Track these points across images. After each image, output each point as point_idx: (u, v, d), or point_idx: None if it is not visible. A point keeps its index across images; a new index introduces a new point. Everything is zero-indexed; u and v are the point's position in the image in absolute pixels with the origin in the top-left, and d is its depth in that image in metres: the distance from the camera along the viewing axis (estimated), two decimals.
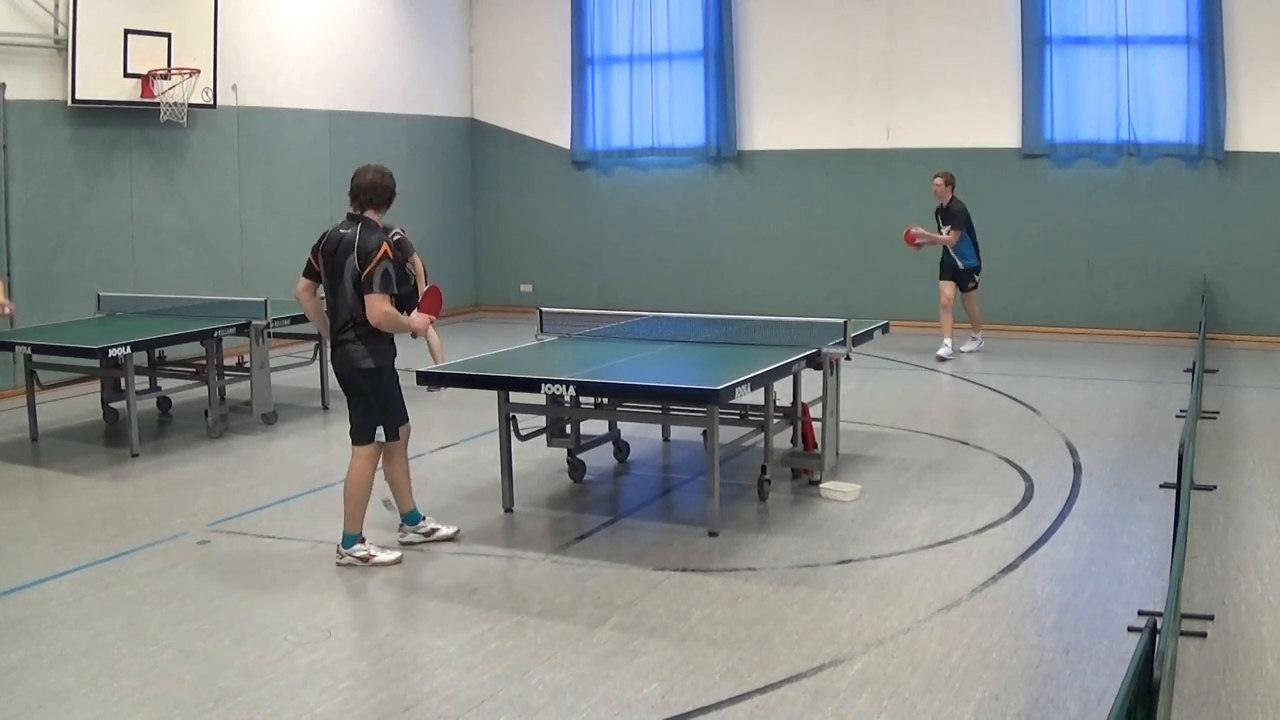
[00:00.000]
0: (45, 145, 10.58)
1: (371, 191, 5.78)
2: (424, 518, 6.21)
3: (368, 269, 5.59)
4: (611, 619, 5.10)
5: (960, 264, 11.68)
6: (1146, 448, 8.03)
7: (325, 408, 9.56)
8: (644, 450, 8.09)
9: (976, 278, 11.79)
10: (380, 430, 5.82)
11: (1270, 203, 12.38)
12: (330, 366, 6.06)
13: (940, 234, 11.68)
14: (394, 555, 5.88)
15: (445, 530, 6.20)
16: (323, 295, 5.95)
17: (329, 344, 5.96)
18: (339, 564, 5.81)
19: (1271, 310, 12.47)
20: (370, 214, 5.80)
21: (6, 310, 7.96)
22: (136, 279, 11.32)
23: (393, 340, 5.86)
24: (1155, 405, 9.47)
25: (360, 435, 5.84)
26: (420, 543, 6.12)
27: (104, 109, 10.91)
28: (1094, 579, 5.49)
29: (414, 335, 6.23)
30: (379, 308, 5.62)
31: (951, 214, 11.61)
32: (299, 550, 6.08)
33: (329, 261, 5.76)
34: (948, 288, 11.81)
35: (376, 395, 5.80)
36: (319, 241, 5.88)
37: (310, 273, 5.93)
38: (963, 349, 11.78)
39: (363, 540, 5.86)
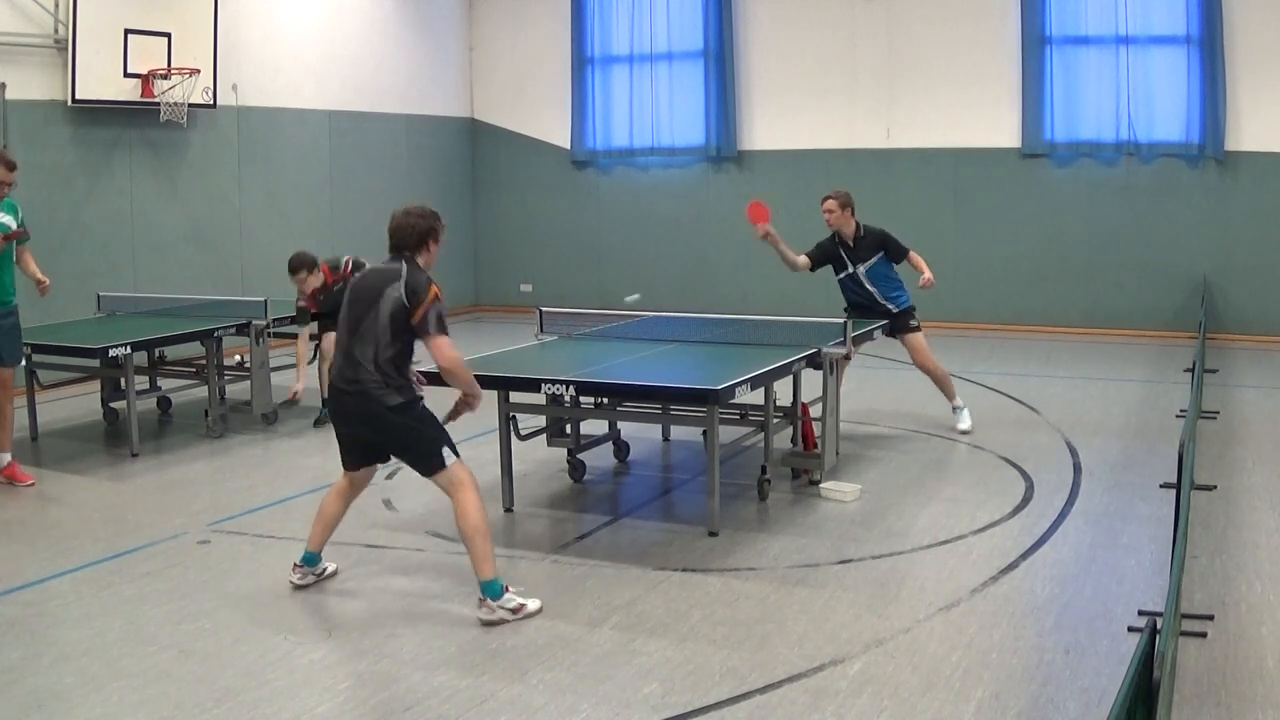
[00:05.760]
0: (45, 145, 10.57)
1: (398, 235, 5.18)
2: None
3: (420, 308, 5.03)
4: (611, 619, 5.09)
5: (894, 308, 8.50)
6: (1146, 448, 8.03)
7: (326, 408, 9.53)
8: (644, 450, 8.09)
9: (916, 314, 8.61)
10: (447, 451, 5.13)
11: (1270, 203, 12.38)
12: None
13: (923, 273, 8.51)
14: (537, 604, 5.12)
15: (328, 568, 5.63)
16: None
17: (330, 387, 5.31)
18: (484, 620, 4.99)
19: (1271, 310, 12.47)
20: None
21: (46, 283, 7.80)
22: (136, 279, 11.32)
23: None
24: (1155, 405, 9.47)
25: (435, 463, 5.13)
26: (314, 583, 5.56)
27: (104, 109, 10.91)
28: (1094, 579, 5.49)
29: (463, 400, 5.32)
30: (449, 352, 5.06)
31: (875, 241, 8.47)
32: (299, 550, 6.06)
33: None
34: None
35: (422, 421, 5.18)
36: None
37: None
38: (958, 426, 8.52)
39: (508, 589, 5.08)
